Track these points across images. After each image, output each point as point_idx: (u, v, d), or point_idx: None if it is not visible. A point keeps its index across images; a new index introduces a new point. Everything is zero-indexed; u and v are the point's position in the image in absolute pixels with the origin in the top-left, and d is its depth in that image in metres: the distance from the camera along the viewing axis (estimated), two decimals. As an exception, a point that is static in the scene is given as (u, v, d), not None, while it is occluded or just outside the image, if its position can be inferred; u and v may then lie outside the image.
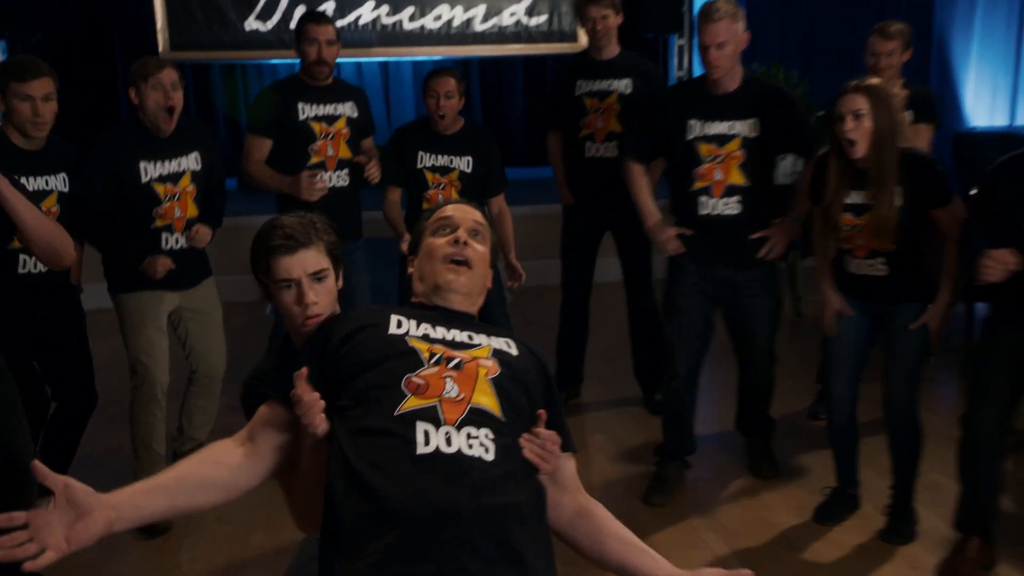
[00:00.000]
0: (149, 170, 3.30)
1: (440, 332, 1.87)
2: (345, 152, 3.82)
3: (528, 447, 1.74)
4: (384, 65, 8.53)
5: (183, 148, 3.39)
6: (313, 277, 1.97)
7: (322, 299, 1.97)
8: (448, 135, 3.96)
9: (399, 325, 1.87)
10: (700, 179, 3.36)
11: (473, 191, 3.96)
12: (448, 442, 1.63)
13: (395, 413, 1.68)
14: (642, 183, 3.55)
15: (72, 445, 3.43)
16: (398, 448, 1.63)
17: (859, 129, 2.87)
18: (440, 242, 1.99)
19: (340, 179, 3.82)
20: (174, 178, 3.35)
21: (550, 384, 1.91)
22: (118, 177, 3.27)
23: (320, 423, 1.78)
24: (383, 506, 1.57)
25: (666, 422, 3.62)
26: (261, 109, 3.85)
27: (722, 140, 3.32)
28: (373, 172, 3.80)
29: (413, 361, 1.77)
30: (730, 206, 3.35)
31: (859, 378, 3.17)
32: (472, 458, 1.63)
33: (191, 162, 3.40)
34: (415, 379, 1.73)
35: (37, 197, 3.12)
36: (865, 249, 2.99)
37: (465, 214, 2.02)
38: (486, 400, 1.73)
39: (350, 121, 3.84)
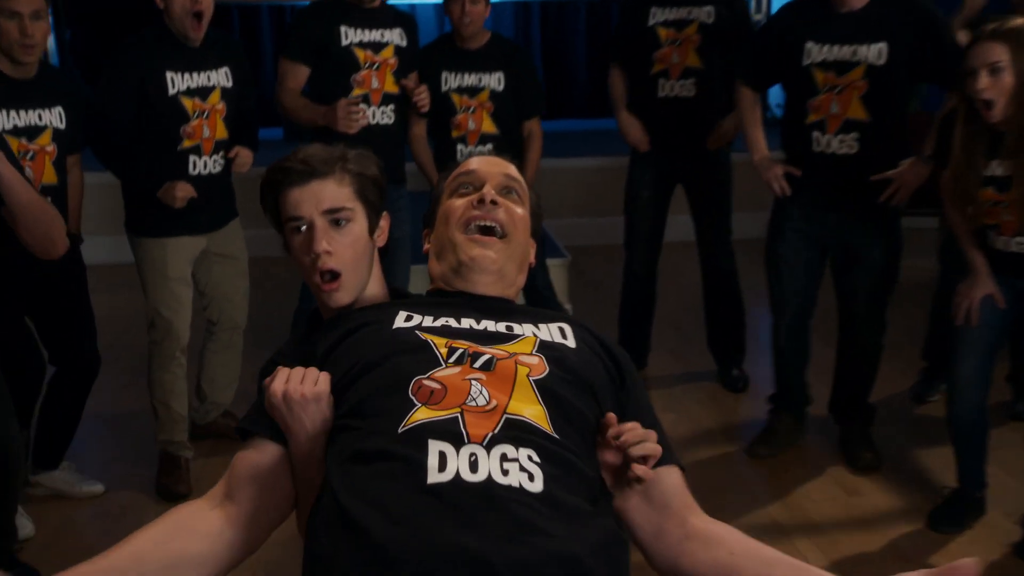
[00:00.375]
0: (176, 82, 2.97)
1: (466, 323, 1.42)
2: (391, 86, 3.36)
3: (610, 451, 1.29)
4: (439, 7, 8.02)
5: (213, 61, 3.04)
6: (329, 218, 1.53)
7: (341, 250, 1.53)
8: (474, 50, 3.50)
9: (408, 319, 1.43)
10: (814, 111, 2.92)
11: (508, 113, 3.52)
12: (473, 467, 1.17)
13: (399, 429, 1.22)
14: (754, 112, 3.16)
15: (74, 414, 3.07)
16: (401, 476, 1.17)
17: (997, 86, 2.36)
18: (460, 204, 1.54)
19: (385, 116, 3.35)
20: (203, 93, 3.00)
21: (625, 382, 1.44)
22: (143, 87, 2.93)
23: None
24: (379, 555, 1.11)
25: (775, 372, 3.31)
26: (298, 32, 3.40)
27: (843, 67, 2.86)
28: (423, 97, 3.34)
29: (425, 359, 1.32)
30: (846, 144, 2.90)
31: (994, 361, 2.64)
32: (508, 488, 1.16)
33: (221, 77, 3.06)
34: (427, 382, 1.28)
35: (29, 134, 2.75)
36: (1014, 226, 2.47)
37: (493, 167, 1.62)
38: (529, 410, 1.27)
39: (398, 50, 3.36)
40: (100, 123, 2.96)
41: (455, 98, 3.48)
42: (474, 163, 1.62)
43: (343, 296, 1.56)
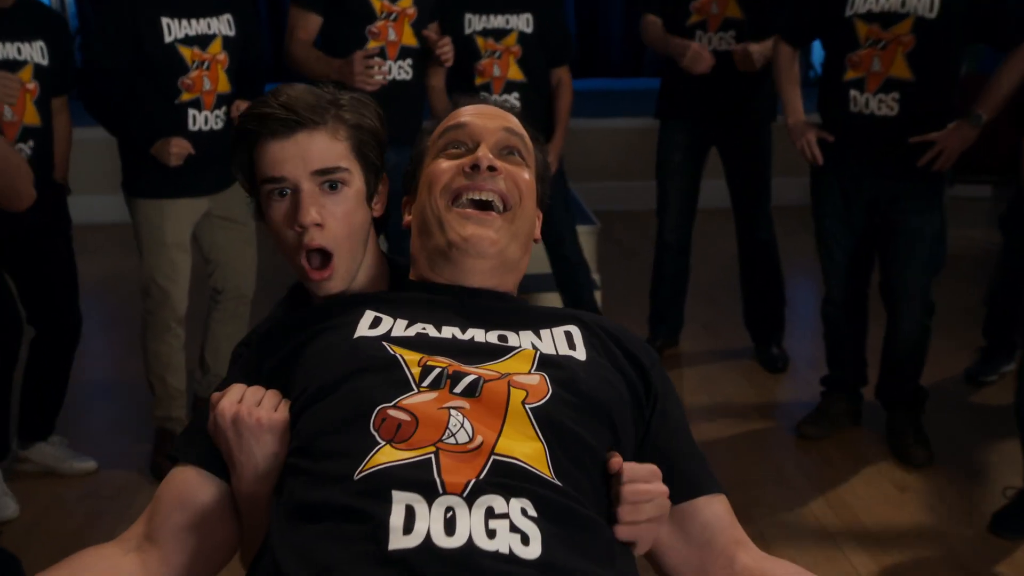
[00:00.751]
0: (173, 28, 2.73)
1: (448, 331, 1.15)
2: (410, 38, 3.07)
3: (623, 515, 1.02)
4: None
5: (214, 7, 2.80)
6: (320, 179, 1.23)
7: (333, 223, 1.24)
8: None
9: (375, 324, 1.15)
10: (853, 68, 2.70)
11: (536, 58, 3.25)
12: (449, 527, 0.91)
13: (356, 475, 0.96)
14: (792, 71, 2.93)
15: (60, 381, 2.89)
16: (357, 539, 0.92)
17: None
18: (447, 167, 1.23)
19: (402, 71, 3.07)
20: (203, 41, 2.76)
21: (651, 394, 1.17)
22: (137, 33, 2.69)
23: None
24: None
25: (827, 350, 3.09)
26: None
27: (889, 19, 2.63)
28: (447, 50, 3.04)
29: (392, 381, 1.05)
30: (886, 104, 2.67)
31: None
32: (495, 556, 0.90)
33: (223, 25, 2.80)
34: (394, 413, 1.01)
35: (7, 68, 2.53)
36: None
37: (489, 119, 1.28)
38: (523, 448, 1.00)
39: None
40: (91, 75, 2.75)
41: (480, 41, 3.20)
42: (466, 114, 1.28)
43: (335, 284, 1.28)
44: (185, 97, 2.76)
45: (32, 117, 2.61)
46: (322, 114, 1.24)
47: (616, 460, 1.06)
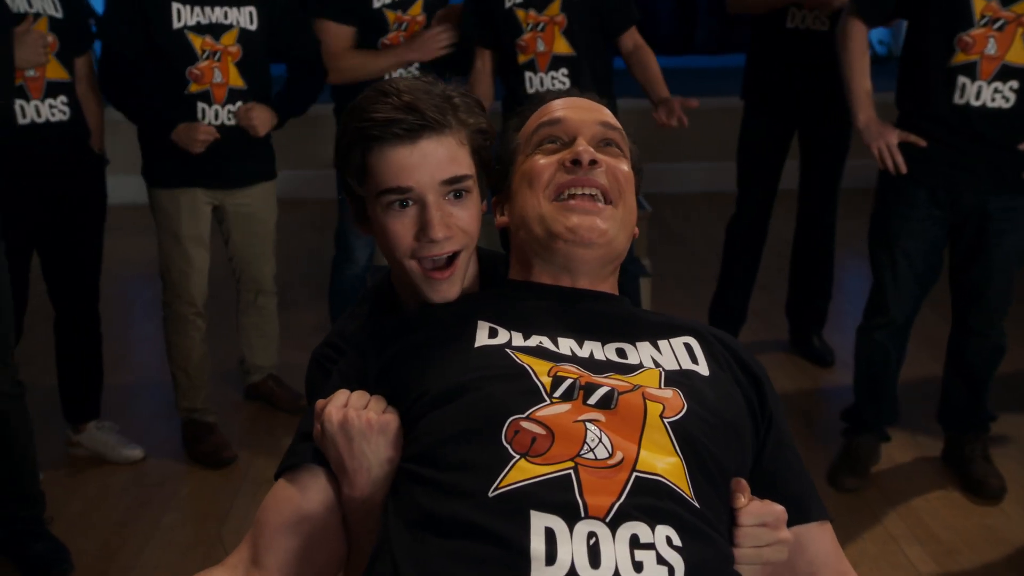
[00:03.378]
0: (183, 14, 2.64)
1: (566, 345, 1.09)
2: None
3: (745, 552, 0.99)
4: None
5: None
6: (448, 188, 1.16)
7: (460, 232, 1.17)
8: None
9: (493, 334, 1.10)
10: (964, 50, 2.31)
11: (586, 27, 2.88)
12: (593, 556, 0.86)
13: (491, 491, 0.91)
14: (864, 59, 2.49)
15: (91, 359, 2.85)
16: (494, 564, 0.87)
17: None
18: (546, 164, 1.17)
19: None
20: (215, 31, 2.67)
21: (766, 410, 1.11)
22: (146, 15, 2.62)
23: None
24: None
25: (860, 382, 2.71)
26: None
27: None
28: (443, 37, 2.93)
29: (523, 391, 1.00)
30: (1001, 95, 2.31)
31: None
32: None
33: (244, 17, 2.70)
34: (527, 425, 0.96)
35: (22, 20, 2.45)
36: None
37: (585, 112, 1.22)
38: (664, 464, 0.95)
39: (428, 5, 2.96)
40: (107, 58, 2.69)
41: (520, 15, 2.86)
42: (559, 108, 1.22)
43: (453, 287, 1.19)
44: (194, 88, 2.66)
45: (56, 71, 2.55)
46: (445, 115, 1.14)
47: (742, 498, 1.00)
